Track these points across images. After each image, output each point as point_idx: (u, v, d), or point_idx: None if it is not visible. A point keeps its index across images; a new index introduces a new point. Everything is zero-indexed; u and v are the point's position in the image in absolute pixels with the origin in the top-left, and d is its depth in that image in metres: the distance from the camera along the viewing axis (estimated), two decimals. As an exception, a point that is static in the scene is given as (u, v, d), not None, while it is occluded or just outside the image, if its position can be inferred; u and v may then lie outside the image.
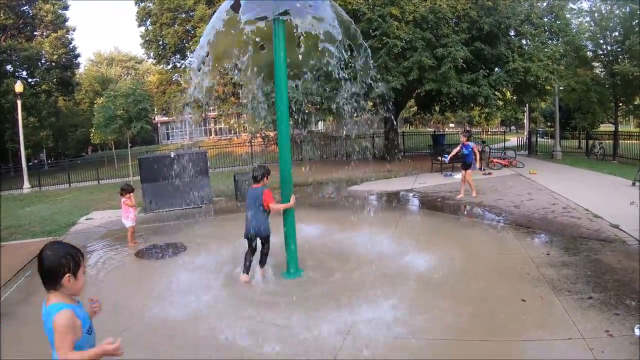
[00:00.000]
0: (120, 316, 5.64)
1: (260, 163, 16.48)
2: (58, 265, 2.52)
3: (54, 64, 39.01)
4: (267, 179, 6.77)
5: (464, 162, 12.72)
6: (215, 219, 11.84)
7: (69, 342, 2.43)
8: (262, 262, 6.84)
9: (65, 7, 41.14)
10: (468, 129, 14.23)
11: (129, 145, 22.99)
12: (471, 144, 12.86)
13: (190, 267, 7.56)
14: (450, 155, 13.44)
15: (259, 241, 6.69)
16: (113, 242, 9.82)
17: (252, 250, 6.67)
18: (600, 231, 8.56)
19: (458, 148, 13.10)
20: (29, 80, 37.74)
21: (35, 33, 39.85)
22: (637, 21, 21.20)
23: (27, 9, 38.47)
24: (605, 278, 6.14)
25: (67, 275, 2.52)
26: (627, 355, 4.20)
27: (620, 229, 8.55)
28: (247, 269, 6.65)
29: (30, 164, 36.70)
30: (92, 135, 30.59)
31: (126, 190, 9.25)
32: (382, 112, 24.07)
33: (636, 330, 4.59)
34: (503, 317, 5.16)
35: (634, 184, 13.42)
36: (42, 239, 10.46)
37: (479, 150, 13.28)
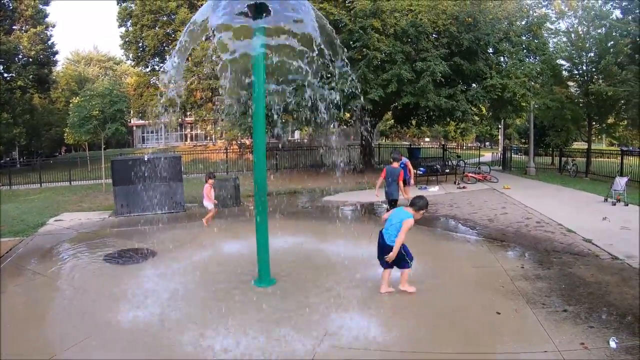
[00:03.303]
0: (87, 321, 5.45)
1: (230, 175, 16.20)
2: (426, 204, 6.01)
3: (31, 59, 37.75)
4: (399, 161, 10.43)
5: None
6: (187, 225, 11.58)
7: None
8: None
9: (46, 3, 40.04)
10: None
11: (103, 147, 22.38)
12: (404, 159, 12.52)
13: (159, 273, 7.34)
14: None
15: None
16: (82, 245, 9.51)
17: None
18: (574, 245, 8.64)
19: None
20: (5, 75, 36.51)
21: (14, 27, 38.58)
22: (612, 42, 21.74)
23: (7, 1, 37.20)
24: (579, 291, 6.16)
25: (422, 211, 6.03)
26: (602, 369, 4.18)
27: (593, 244, 8.66)
28: None
29: (2, 161, 35.72)
30: (66, 135, 29.91)
31: (211, 176, 11.34)
32: (359, 123, 24.17)
33: (611, 343, 4.59)
34: (478, 330, 5.10)
35: (605, 200, 13.67)
36: (9, 239, 10.11)
37: (413, 167, 13.11)
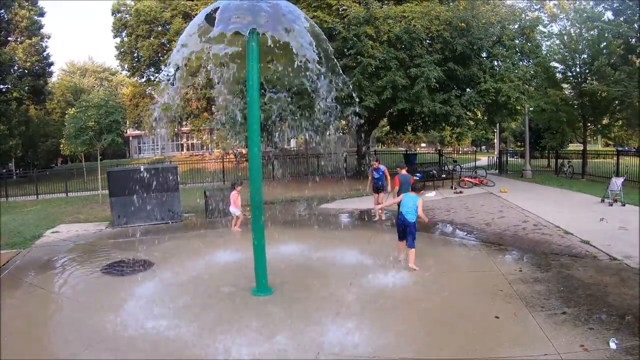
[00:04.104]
0: (84, 332, 5.42)
1: (235, 179, 16.15)
2: (421, 187, 9.37)
3: (26, 71, 37.66)
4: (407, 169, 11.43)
5: (375, 185, 12.69)
6: (184, 235, 11.53)
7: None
8: None
9: (41, 14, 39.97)
10: (377, 158, 14.72)
11: (99, 158, 22.35)
12: (382, 167, 12.74)
13: (156, 283, 7.31)
14: (368, 185, 13.45)
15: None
16: (79, 256, 9.46)
17: None
18: (572, 247, 8.65)
19: (370, 176, 13.06)
20: (0, 86, 36.54)
21: (9, 38, 38.42)
22: (604, 44, 21.89)
23: (2, 13, 37.23)
24: (578, 293, 6.16)
25: (422, 191, 8.59)
26: (602, 371, 4.17)
27: (591, 245, 8.68)
28: None
29: (-2, 173, 35.47)
30: (62, 146, 29.85)
31: (236, 184, 11.95)
32: (355, 129, 24.15)
33: (611, 344, 4.58)
34: (477, 334, 5.08)
35: (602, 200, 13.70)
36: (6, 251, 10.06)
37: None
